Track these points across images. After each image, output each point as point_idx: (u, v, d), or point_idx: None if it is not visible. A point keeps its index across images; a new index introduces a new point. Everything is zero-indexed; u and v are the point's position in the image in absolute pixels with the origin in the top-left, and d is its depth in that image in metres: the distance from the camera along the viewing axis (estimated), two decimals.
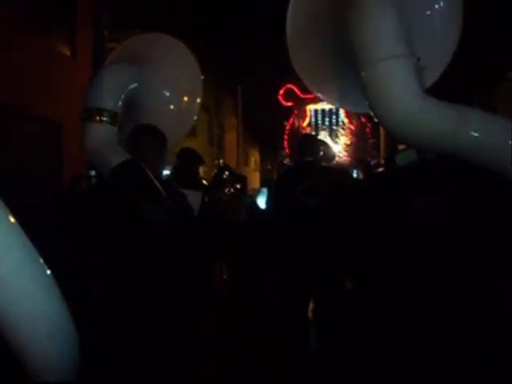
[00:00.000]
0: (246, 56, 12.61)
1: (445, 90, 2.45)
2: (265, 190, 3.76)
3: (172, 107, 3.26)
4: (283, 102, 14.51)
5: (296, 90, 13.98)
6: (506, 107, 7.10)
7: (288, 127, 14.67)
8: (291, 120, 14.78)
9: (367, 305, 3.32)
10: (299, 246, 3.22)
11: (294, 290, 3.40)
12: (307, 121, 14.76)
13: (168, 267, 1.76)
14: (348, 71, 2.53)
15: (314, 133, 14.44)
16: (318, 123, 14.62)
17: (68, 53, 8.85)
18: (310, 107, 14.56)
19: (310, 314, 3.54)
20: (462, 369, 1.81)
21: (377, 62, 2.13)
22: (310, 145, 3.59)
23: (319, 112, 14.57)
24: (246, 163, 24.10)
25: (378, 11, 2.22)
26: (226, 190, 3.53)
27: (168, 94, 3.24)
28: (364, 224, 2.57)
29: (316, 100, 14.07)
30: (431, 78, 2.70)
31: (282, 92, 14.36)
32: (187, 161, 3.75)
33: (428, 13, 2.73)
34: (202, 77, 3.49)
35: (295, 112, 14.71)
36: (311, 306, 3.54)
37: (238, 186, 2.97)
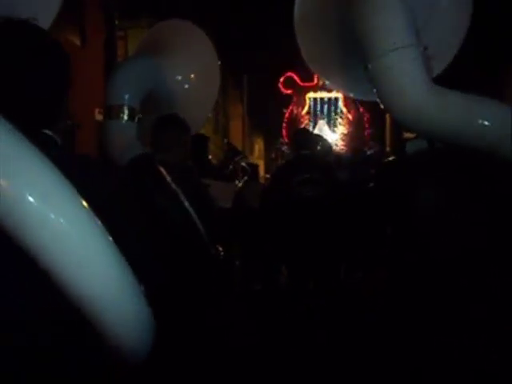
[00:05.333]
0: (251, 44, 12.61)
1: (454, 80, 2.36)
2: None
3: (193, 94, 3.26)
4: (283, 90, 14.64)
5: (296, 77, 14.18)
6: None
7: (287, 115, 14.80)
8: (290, 108, 14.94)
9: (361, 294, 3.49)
10: (296, 236, 3.39)
11: (295, 278, 3.62)
12: (306, 109, 14.90)
13: (184, 260, 1.78)
14: (356, 60, 2.54)
15: (312, 121, 14.65)
16: (317, 112, 14.79)
17: (78, 42, 9.04)
18: (310, 95, 14.68)
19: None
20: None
21: (384, 54, 2.11)
22: (305, 139, 3.80)
23: (318, 101, 14.70)
24: (251, 151, 24.04)
25: (385, 1, 2.18)
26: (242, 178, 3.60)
27: (189, 82, 3.23)
28: (367, 213, 2.66)
29: (315, 88, 14.27)
30: (439, 67, 2.71)
31: (281, 80, 14.49)
32: (199, 149, 3.49)
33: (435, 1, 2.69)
34: (219, 62, 3.49)
35: (294, 100, 14.86)
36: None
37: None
